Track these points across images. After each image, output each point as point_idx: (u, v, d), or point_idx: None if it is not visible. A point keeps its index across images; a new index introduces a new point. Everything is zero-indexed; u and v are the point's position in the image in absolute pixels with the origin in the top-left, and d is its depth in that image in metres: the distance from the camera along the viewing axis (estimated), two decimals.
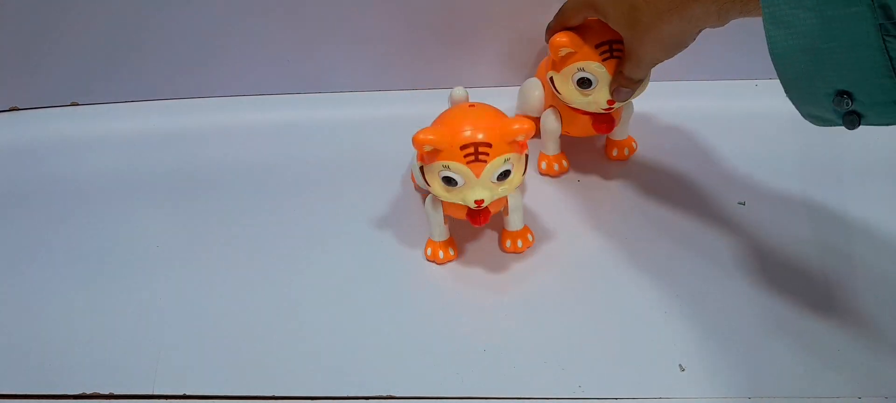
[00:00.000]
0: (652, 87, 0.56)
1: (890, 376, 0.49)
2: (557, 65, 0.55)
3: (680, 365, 0.51)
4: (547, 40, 0.55)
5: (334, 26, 0.68)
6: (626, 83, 0.53)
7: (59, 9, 0.66)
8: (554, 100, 0.60)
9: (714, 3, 0.43)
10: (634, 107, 0.62)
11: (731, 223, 0.59)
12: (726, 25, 0.45)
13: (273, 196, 0.64)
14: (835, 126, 0.41)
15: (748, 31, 0.45)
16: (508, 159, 0.49)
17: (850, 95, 0.38)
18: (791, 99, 0.41)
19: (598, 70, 0.53)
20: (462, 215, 0.55)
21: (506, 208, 0.56)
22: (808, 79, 0.39)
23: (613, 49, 0.53)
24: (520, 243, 0.58)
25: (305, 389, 0.50)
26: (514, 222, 0.57)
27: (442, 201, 0.54)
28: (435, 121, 0.53)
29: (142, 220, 0.63)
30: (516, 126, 0.48)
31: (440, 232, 0.57)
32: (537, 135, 0.64)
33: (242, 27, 0.68)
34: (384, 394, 0.50)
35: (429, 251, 0.58)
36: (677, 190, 0.62)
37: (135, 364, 0.52)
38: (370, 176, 0.65)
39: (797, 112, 0.42)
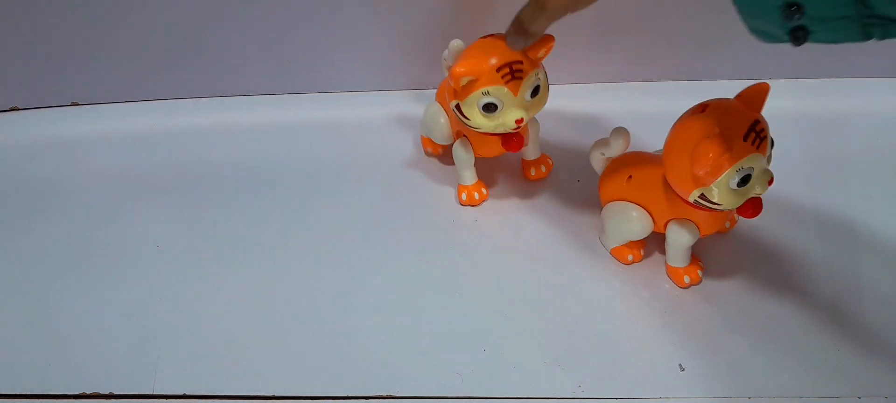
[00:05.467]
0: (653, 87, 0.56)
1: (890, 376, 0.49)
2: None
3: (680, 365, 0.51)
4: (510, 35, 0.51)
5: (334, 26, 0.68)
6: (522, 32, 0.50)
7: (59, 9, 0.66)
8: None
9: None
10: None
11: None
12: (711, 27, 0.43)
13: (273, 196, 0.64)
14: (781, 42, 0.39)
15: (734, 34, 0.45)
16: (537, 74, 0.53)
17: (799, 7, 0.36)
18: (740, 10, 0.39)
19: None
20: (495, 151, 0.58)
21: (527, 138, 0.59)
22: None
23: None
24: (543, 168, 0.63)
25: (305, 389, 0.50)
26: (534, 150, 0.62)
27: (472, 144, 0.58)
28: (458, 61, 0.53)
29: (142, 220, 0.63)
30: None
31: (471, 174, 0.61)
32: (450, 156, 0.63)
33: (242, 27, 0.68)
34: (384, 394, 0.50)
35: (463, 195, 0.61)
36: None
37: (135, 364, 0.52)
38: (371, 175, 0.65)
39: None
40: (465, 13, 0.67)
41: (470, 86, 0.52)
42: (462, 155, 0.60)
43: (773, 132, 0.48)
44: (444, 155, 0.66)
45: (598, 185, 0.57)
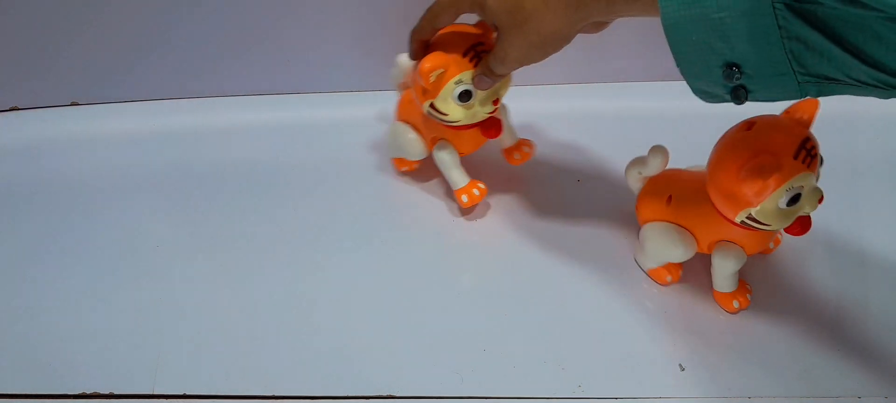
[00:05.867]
0: (653, 87, 0.56)
1: (890, 376, 0.49)
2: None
3: (680, 365, 0.51)
4: (411, 45, 0.52)
5: (334, 27, 0.68)
6: (489, 73, 0.51)
7: (59, 9, 0.66)
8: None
9: None
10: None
11: None
12: None
13: (273, 196, 0.64)
14: (724, 102, 0.40)
15: None
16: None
17: (739, 67, 0.37)
18: (683, 73, 0.40)
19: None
20: (475, 144, 0.57)
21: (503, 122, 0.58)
22: (700, 50, 0.38)
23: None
24: (525, 149, 0.62)
25: (305, 389, 0.50)
26: (511, 136, 0.61)
27: (452, 144, 0.58)
28: (424, 59, 0.52)
29: (142, 220, 0.63)
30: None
31: (462, 174, 0.59)
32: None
33: (242, 27, 0.68)
34: (384, 394, 0.50)
35: (464, 197, 0.59)
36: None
37: (135, 364, 0.52)
38: (371, 175, 0.65)
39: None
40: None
41: (440, 79, 0.51)
42: (446, 157, 0.58)
43: None
44: (421, 170, 0.64)
45: (635, 206, 0.56)
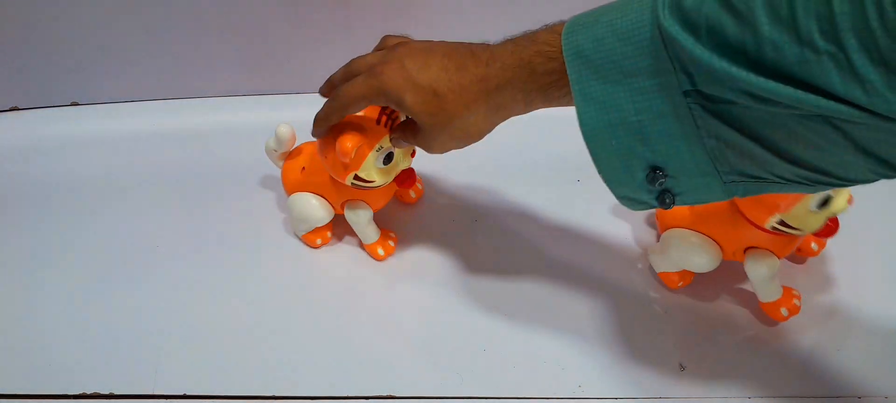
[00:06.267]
0: None
1: (890, 376, 0.49)
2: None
3: (680, 365, 0.51)
4: (318, 128, 0.50)
5: (334, 27, 0.68)
6: (411, 139, 0.48)
7: (59, 9, 0.66)
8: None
9: (520, 89, 0.40)
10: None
11: None
12: None
13: (273, 196, 0.64)
14: (651, 208, 0.40)
15: None
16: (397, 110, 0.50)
17: (663, 171, 0.37)
18: (606, 181, 0.40)
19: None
20: (387, 196, 0.56)
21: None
22: (621, 155, 0.37)
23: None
24: (419, 186, 0.62)
25: (305, 389, 0.50)
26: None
27: (365, 202, 0.56)
28: (320, 145, 0.51)
29: (142, 220, 0.63)
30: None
31: (374, 230, 0.58)
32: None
33: (242, 28, 0.68)
34: (384, 394, 0.50)
35: (380, 250, 0.58)
36: None
37: (135, 364, 0.52)
38: None
39: None
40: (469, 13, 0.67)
41: (361, 152, 0.50)
42: (362, 216, 0.56)
43: None
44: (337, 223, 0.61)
45: (656, 213, 0.56)
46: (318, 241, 0.59)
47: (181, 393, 0.51)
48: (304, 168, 0.57)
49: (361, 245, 0.59)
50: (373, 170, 0.51)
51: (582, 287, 0.56)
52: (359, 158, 0.50)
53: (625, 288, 0.56)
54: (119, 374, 0.52)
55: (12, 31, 0.67)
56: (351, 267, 0.58)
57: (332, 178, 0.54)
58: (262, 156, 0.59)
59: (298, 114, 0.72)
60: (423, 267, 0.58)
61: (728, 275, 0.56)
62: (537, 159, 0.65)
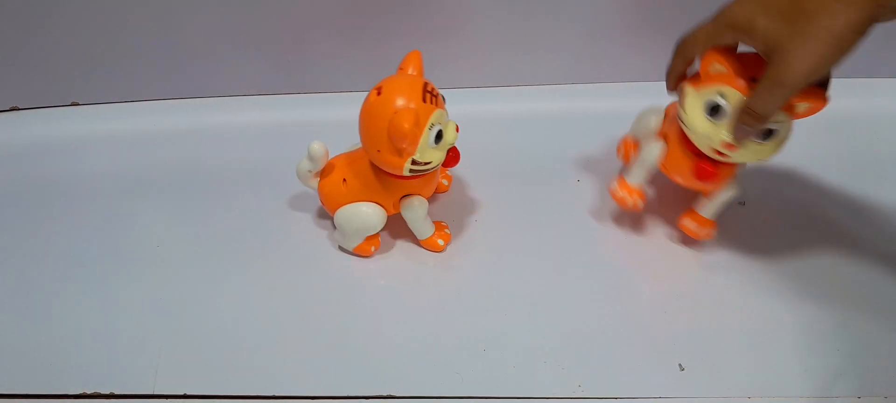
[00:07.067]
0: (652, 87, 0.56)
1: (890, 376, 0.49)
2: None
3: (680, 365, 0.51)
4: (669, 82, 0.50)
5: (333, 27, 0.68)
6: (751, 119, 0.44)
7: (59, 9, 0.66)
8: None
9: None
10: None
11: (731, 223, 0.59)
12: None
13: (273, 195, 0.64)
14: None
15: None
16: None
17: None
18: None
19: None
20: (433, 186, 0.57)
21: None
22: None
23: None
24: (449, 172, 0.64)
25: (305, 389, 0.51)
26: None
27: (420, 194, 0.56)
28: (398, 120, 0.49)
29: (142, 220, 0.63)
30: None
31: (430, 223, 0.58)
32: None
33: (242, 28, 0.68)
34: (384, 394, 0.50)
35: (440, 241, 0.59)
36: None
37: (135, 364, 0.52)
38: None
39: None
40: (461, 12, 0.67)
41: (415, 133, 0.48)
42: (419, 210, 0.56)
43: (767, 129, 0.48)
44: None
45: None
46: (373, 249, 0.58)
47: (181, 393, 0.51)
48: (345, 179, 0.56)
49: (351, 250, 0.59)
50: (428, 151, 0.50)
51: (582, 287, 0.56)
52: (414, 139, 0.49)
53: (625, 288, 0.56)
54: (119, 374, 0.52)
55: (12, 31, 0.68)
56: (351, 267, 0.58)
57: (378, 181, 0.54)
58: (262, 156, 0.59)
59: (300, 114, 0.73)
60: (423, 267, 0.58)
61: (728, 276, 0.56)
62: (537, 159, 0.65)
